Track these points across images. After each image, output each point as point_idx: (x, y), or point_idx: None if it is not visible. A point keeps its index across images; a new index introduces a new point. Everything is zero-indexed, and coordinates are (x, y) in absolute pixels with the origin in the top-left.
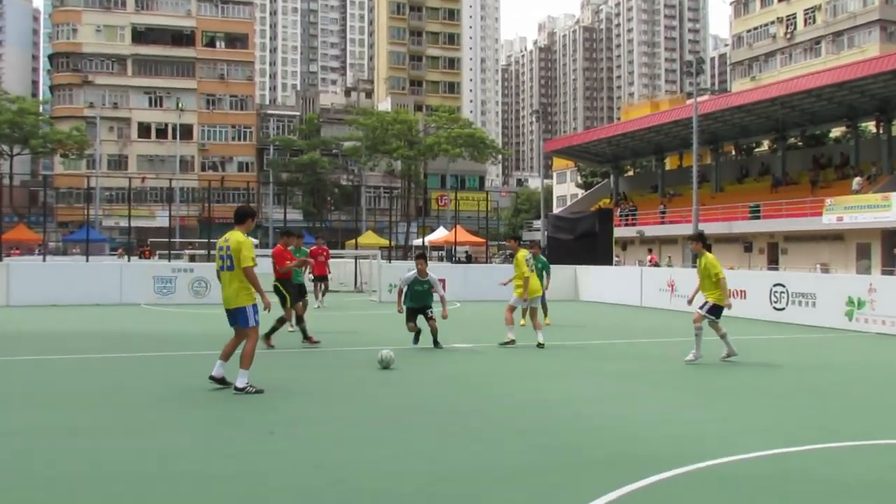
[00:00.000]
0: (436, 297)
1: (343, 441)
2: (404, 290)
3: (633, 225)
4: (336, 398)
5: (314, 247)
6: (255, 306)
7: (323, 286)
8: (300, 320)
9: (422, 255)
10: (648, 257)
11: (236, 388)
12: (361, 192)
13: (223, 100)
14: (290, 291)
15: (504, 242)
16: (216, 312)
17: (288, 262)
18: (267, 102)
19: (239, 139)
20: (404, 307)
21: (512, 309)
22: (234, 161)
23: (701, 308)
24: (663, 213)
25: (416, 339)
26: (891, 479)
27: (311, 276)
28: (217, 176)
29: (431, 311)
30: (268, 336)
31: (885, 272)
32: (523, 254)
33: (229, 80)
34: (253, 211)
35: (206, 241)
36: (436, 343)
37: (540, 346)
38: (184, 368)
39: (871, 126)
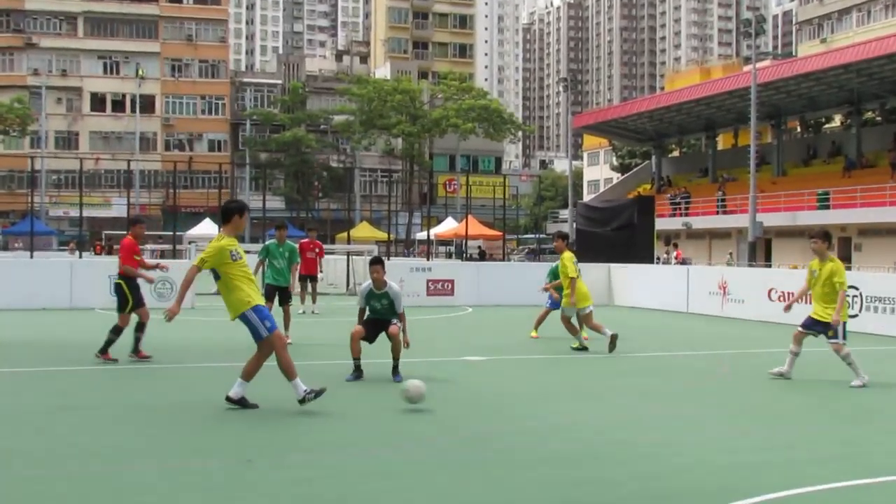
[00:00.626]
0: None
1: (334, 471)
2: (365, 308)
3: (684, 215)
4: (327, 421)
5: (305, 240)
6: (256, 308)
7: (311, 288)
8: (140, 328)
9: (378, 260)
10: (674, 253)
11: (299, 401)
12: (355, 175)
13: (191, 66)
14: (134, 294)
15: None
16: (183, 318)
17: (141, 261)
18: (243, 69)
19: (210, 113)
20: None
21: (568, 320)
22: (203, 139)
23: (833, 338)
24: (722, 200)
25: (357, 371)
26: None
27: (298, 275)
28: (184, 156)
29: (395, 321)
30: (104, 351)
31: None
32: (569, 255)
33: (198, 42)
34: (240, 206)
35: (172, 233)
36: (395, 370)
37: (581, 348)
38: (144, 384)
39: None
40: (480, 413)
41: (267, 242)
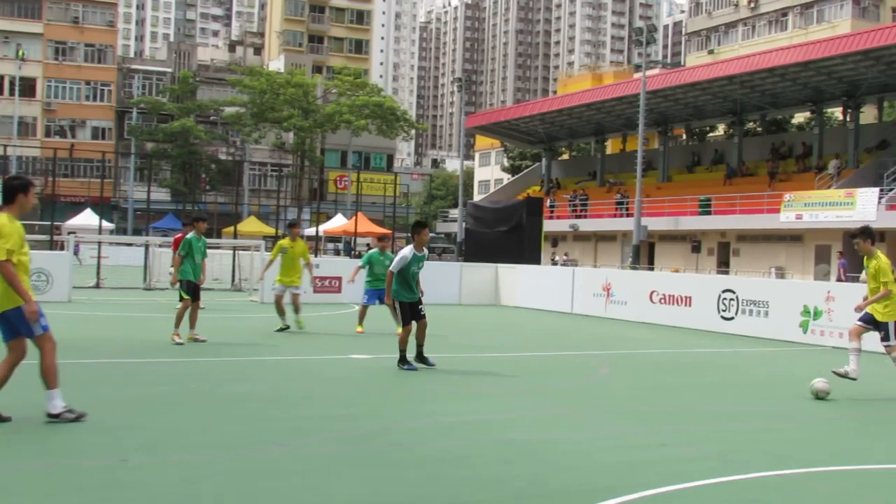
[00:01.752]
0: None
1: (214, 471)
2: (395, 273)
3: (582, 217)
4: (206, 420)
5: (179, 234)
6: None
7: None
8: None
9: (426, 224)
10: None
11: (49, 415)
12: (244, 168)
13: (76, 49)
14: None
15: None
16: (57, 312)
17: None
18: (131, 55)
19: (94, 99)
20: (396, 301)
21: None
22: (87, 126)
23: (886, 339)
24: (620, 203)
25: (404, 360)
26: None
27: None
28: (66, 143)
29: (422, 308)
30: None
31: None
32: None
33: (85, 24)
34: (24, 183)
35: (50, 224)
36: (421, 356)
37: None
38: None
39: (837, 113)
40: (365, 411)
41: (188, 236)
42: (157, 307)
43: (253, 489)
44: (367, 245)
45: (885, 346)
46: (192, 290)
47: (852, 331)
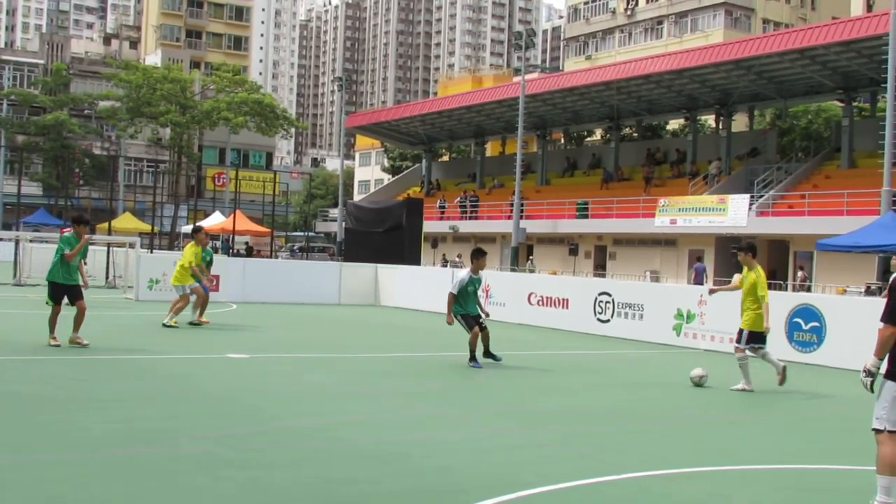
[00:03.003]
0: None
1: (84, 471)
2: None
3: (472, 218)
4: (81, 418)
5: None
6: None
7: None
8: None
9: (484, 252)
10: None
11: None
12: (119, 164)
13: None
14: None
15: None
16: None
17: None
18: (2, 45)
19: None
20: (459, 316)
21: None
22: None
23: (738, 342)
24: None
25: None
26: None
27: None
28: None
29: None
30: None
31: (717, 282)
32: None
33: None
34: None
35: None
36: (492, 355)
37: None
38: None
39: (710, 120)
40: (240, 411)
41: (67, 233)
42: (27, 303)
43: (122, 489)
44: (246, 243)
45: (735, 348)
46: (57, 295)
47: (739, 352)
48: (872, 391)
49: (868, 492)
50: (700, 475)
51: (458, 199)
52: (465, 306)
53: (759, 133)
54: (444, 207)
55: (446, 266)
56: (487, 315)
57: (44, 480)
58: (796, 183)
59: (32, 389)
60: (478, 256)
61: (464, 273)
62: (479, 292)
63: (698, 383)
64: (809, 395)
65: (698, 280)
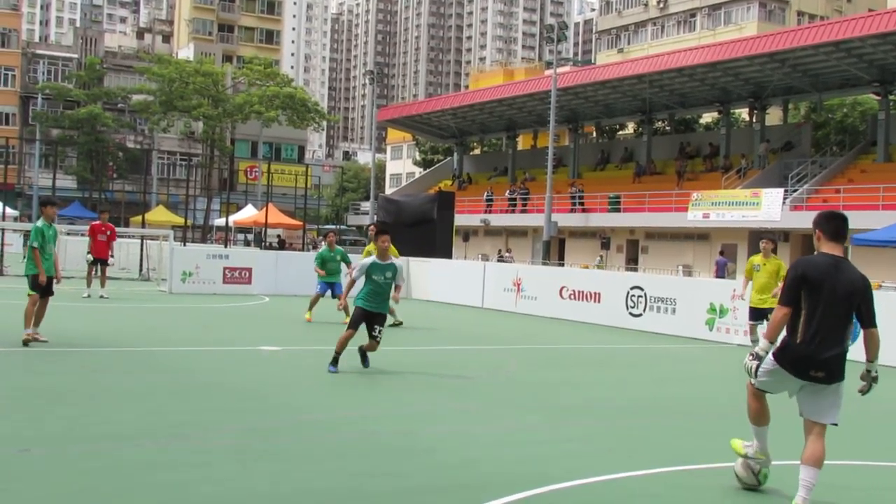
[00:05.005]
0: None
1: (115, 463)
2: (356, 280)
3: (524, 211)
4: (113, 409)
5: (96, 222)
6: None
7: (101, 271)
8: None
9: (385, 230)
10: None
11: None
12: (152, 157)
13: None
14: None
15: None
16: None
17: None
18: (36, 40)
19: None
20: (352, 304)
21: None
22: None
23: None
24: (580, 198)
25: (337, 363)
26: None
27: (89, 258)
28: None
29: (379, 331)
30: None
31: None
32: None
33: None
34: None
35: None
36: (365, 358)
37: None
38: None
39: (743, 113)
40: (270, 404)
41: (38, 224)
42: (62, 295)
43: (153, 481)
44: (278, 236)
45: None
46: (38, 285)
47: (749, 329)
48: (754, 376)
49: (892, 488)
50: (730, 470)
51: (509, 191)
52: (368, 299)
53: (794, 127)
54: (491, 200)
55: (501, 260)
56: (396, 301)
57: (75, 472)
58: (831, 177)
59: (64, 381)
60: (377, 234)
61: (368, 259)
62: (400, 283)
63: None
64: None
65: (720, 273)
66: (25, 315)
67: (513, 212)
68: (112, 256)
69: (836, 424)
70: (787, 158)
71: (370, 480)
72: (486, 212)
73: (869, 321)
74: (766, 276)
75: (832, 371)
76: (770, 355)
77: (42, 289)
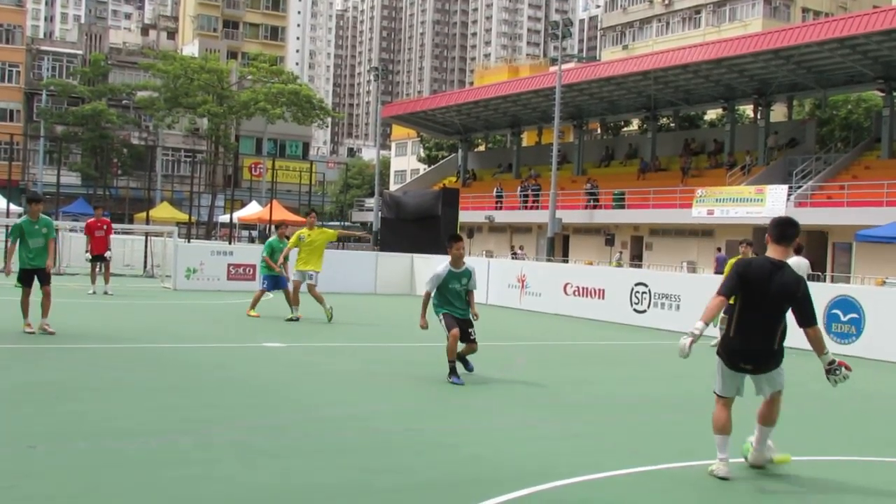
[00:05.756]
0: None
1: (120, 459)
2: (433, 291)
3: (536, 207)
4: (118, 406)
5: (92, 219)
6: None
7: (103, 267)
8: None
9: (459, 237)
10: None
11: None
12: (157, 154)
13: None
14: None
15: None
16: None
17: None
18: (41, 36)
19: (2, 80)
20: (439, 315)
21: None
22: None
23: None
24: (593, 193)
25: (456, 373)
26: (751, 499)
27: (89, 256)
28: None
29: (473, 333)
30: None
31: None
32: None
33: None
34: None
35: None
36: (465, 361)
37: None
38: None
39: (748, 110)
40: (276, 400)
41: (19, 220)
42: (67, 292)
43: (160, 477)
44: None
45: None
46: (25, 279)
47: (723, 320)
48: (687, 356)
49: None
50: (736, 467)
51: (520, 187)
52: (449, 306)
53: (798, 123)
54: (501, 196)
55: (515, 257)
56: (476, 317)
57: (79, 469)
58: (835, 173)
59: (68, 378)
60: (449, 242)
61: (441, 267)
62: (473, 288)
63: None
64: (847, 388)
65: (719, 270)
66: (21, 308)
67: (517, 208)
68: (109, 250)
69: (780, 390)
70: (791, 155)
71: (378, 476)
72: (496, 208)
73: (805, 321)
74: None
75: (759, 364)
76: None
77: (27, 281)
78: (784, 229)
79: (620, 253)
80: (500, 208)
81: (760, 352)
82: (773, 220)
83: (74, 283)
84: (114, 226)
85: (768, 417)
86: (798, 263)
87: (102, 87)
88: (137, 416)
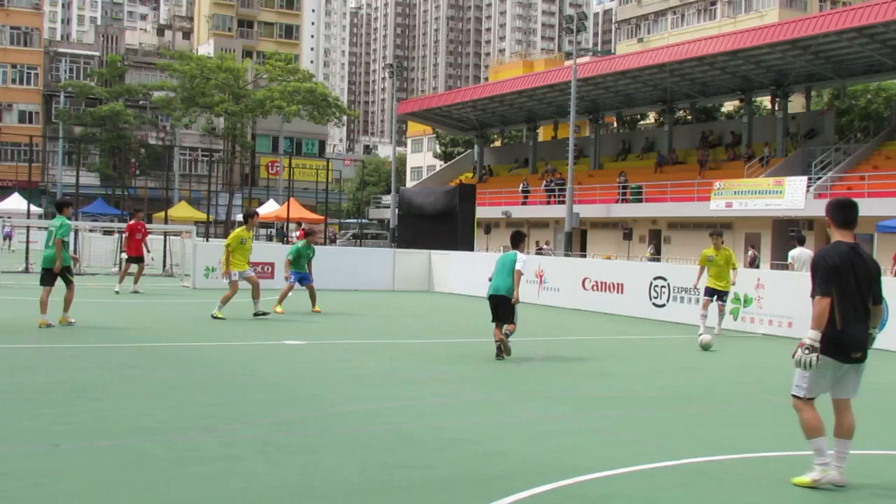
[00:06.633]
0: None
1: (148, 456)
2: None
3: (558, 202)
4: (140, 404)
5: (133, 221)
6: None
7: (137, 268)
8: None
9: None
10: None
11: None
12: (174, 153)
13: (1, 32)
14: None
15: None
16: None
17: None
18: (58, 38)
19: (21, 82)
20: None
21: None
22: (14, 109)
23: (721, 299)
24: (625, 187)
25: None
26: (772, 494)
27: (125, 256)
28: None
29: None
30: None
31: (774, 266)
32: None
33: (10, 7)
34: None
35: None
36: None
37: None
38: None
39: (765, 102)
40: (296, 397)
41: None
42: (87, 292)
43: (182, 474)
44: (304, 230)
45: (720, 306)
46: (43, 276)
47: (703, 304)
48: (810, 368)
49: None
50: (759, 460)
51: (544, 182)
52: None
53: (817, 114)
54: (527, 191)
55: (541, 252)
56: (517, 301)
57: (103, 466)
58: (855, 164)
59: (91, 376)
60: (517, 241)
61: (524, 255)
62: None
63: (707, 349)
64: (873, 381)
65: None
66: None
67: (536, 203)
68: (150, 252)
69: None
70: (810, 146)
71: (399, 472)
72: (522, 203)
73: (878, 299)
74: (719, 265)
75: (866, 350)
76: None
77: (61, 277)
78: (848, 213)
79: (653, 245)
80: (526, 203)
81: (866, 337)
82: (832, 203)
83: (94, 283)
84: (101, 224)
85: (849, 426)
86: (801, 255)
87: (119, 88)
88: (159, 414)
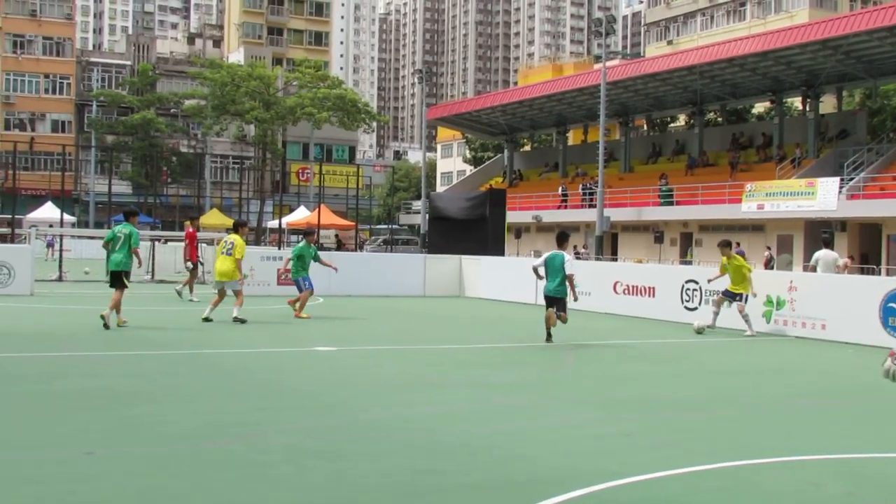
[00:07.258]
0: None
1: (179, 462)
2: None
3: (590, 206)
4: (174, 410)
5: (192, 229)
6: None
7: (190, 275)
8: None
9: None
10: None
11: None
12: (205, 161)
13: (34, 42)
14: None
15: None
16: (20, 306)
17: None
18: (90, 48)
19: (54, 92)
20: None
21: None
22: (46, 119)
23: (738, 301)
24: (668, 190)
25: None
26: (808, 497)
27: (190, 265)
28: (25, 137)
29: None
30: None
31: (806, 268)
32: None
33: (42, 18)
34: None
35: (11, 217)
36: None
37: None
38: None
39: (796, 102)
40: (328, 403)
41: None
42: (155, 298)
43: (213, 480)
44: (336, 236)
45: (739, 306)
46: (114, 279)
47: (716, 301)
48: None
49: None
50: (792, 464)
51: (581, 185)
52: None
53: (849, 114)
54: (566, 195)
55: (578, 257)
56: (576, 300)
57: (135, 473)
58: (888, 164)
59: (124, 384)
60: (562, 241)
61: (569, 255)
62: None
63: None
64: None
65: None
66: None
67: (566, 207)
68: (200, 258)
69: None
70: (842, 146)
71: (429, 477)
72: (560, 207)
73: None
74: (733, 272)
75: None
76: None
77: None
78: None
79: (691, 248)
80: (564, 207)
81: None
82: None
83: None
84: (164, 233)
85: None
86: (826, 256)
87: (151, 97)
88: (191, 421)
